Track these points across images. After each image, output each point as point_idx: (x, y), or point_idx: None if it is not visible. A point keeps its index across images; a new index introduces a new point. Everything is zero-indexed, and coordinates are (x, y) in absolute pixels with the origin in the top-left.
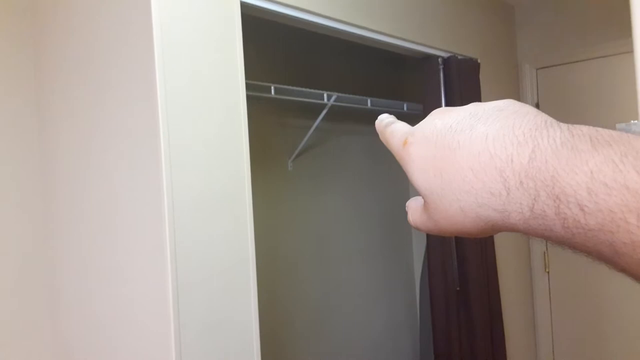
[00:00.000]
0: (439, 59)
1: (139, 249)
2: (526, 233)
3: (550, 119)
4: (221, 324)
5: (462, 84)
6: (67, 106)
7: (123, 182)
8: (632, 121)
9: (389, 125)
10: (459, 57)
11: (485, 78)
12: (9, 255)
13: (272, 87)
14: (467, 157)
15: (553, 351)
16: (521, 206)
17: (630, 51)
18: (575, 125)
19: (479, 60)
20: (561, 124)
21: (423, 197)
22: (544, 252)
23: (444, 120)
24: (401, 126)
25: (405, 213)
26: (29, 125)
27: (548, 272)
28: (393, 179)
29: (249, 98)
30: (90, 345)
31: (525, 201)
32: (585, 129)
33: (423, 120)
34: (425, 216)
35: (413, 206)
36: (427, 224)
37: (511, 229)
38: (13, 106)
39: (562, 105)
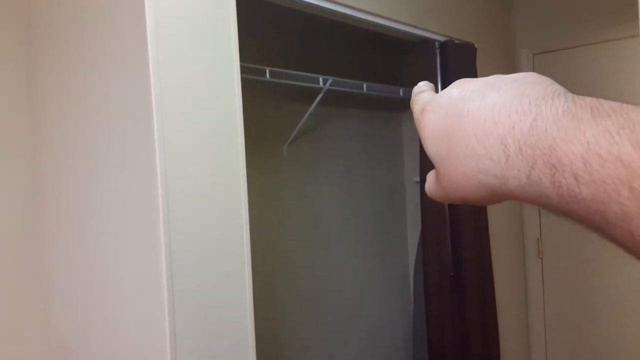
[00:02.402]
0: (436, 43)
1: (133, 231)
2: (523, 200)
3: (561, 90)
4: (216, 310)
5: (458, 69)
6: (59, 93)
7: (116, 168)
8: None
9: (417, 94)
10: (456, 41)
11: (482, 63)
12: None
13: (267, 71)
14: (474, 124)
15: (545, 337)
16: (519, 172)
17: (633, 35)
18: (580, 96)
19: (475, 45)
20: (569, 94)
21: (434, 164)
22: (538, 238)
23: (460, 89)
24: (425, 95)
25: (402, 198)
26: (19, 115)
27: (541, 258)
28: (389, 165)
29: (244, 81)
30: (83, 344)
31: (522, 168)
32: (588, 99)
33: (443, 89)
34: (436, 183)
35: (429, 176)
36: (438, 190)
37: (509, 196)
38: (1, 92)
39: None
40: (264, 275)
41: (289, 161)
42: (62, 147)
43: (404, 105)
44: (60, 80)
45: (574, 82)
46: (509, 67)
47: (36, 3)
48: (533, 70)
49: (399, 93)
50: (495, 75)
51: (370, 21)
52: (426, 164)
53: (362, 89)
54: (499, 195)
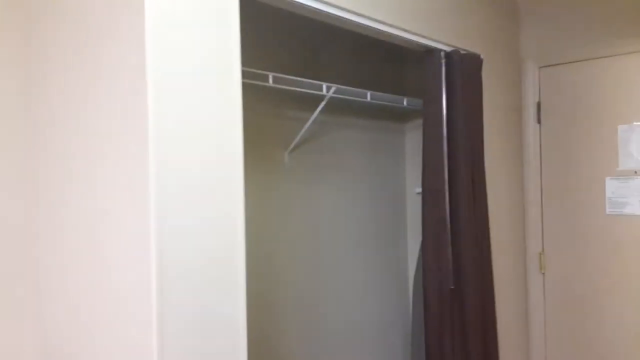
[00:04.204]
0: (442, 53)
1: (124, 238)
2: None
3: None
4: (207, 316)
5: (464, 79)
6: (56, 94)
7: (110, 169)
8: (634, 122)
9: None
10: (462, 51)
11: (487, 74)
12: None
13: (270, 76)
14: None
15: (546, 353)
16: None
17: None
18: None
19: (481, 56)
20: None
21: None
22: (540, 253)
23: None
24: None
25: (403, 208)
26: (15, 115)
27: (543, 273)
28: (391, 175)
29: (246, 86)
30: (71, 337)
31: None
32: None
33: None
34: None
35: None
36: None
37: None
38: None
39: (564, 105)
40: (262, 282)
41: (290, 168)
42: (55, 147)
43: (408, 115)
44: (57, 78)
45: (580, 96)
46: (515, 79)
47: (36, 6)
48: (539, 84)
49: (403, 103)
50: None
51: (376, 29)
52: (429, 175)
53: (366, 97)
54: None
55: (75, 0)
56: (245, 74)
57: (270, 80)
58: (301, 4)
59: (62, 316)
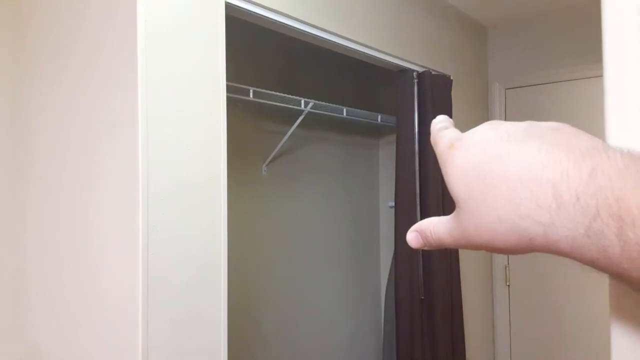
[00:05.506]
0: (414, 73)
1: (111, 242)
2: (566, 253)
3: (605, 143)
4: (191, 317)
5: (434, 99)
6: (45, 96)
7: (99, 175)
8: None
9: (442, 130)
10: (433, 72)
11: (456, 94)
12: None
13: (251, 90)
14: (516, 166)
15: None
16: (573, 223)
17: (597, 76)
18: (631, 150)
19: (451, 77)
20: (617, 147)
21: (457, 203)
22: (506, 266)
23: (497, 130)
24: (452, 131)
25: (376, 221)
26: (5, 111)
27: (508, 285)
28: (365, 189)
29: (227, 100)
30: (58, 337)
31: (579, 219)
32: (635, 151)
33: (474, 128)
34: (452, 224)
35: (433, 221)
36: (454, 232)
37: (550, 247)
38: None
39: None
40: (238, 291)
41: (267, 180)
42: (42, 152)
43: (382, 131)
44: (47, 86)
45: (544, 117)
46: (482, 99)
47: (27, 14)
48: (505, 105)
49: (377, 119)
50: (528, 122)
51: (353, 49)
52: (401, 189)
53: (342, 113)
54: (537, 245)
55: (69, 9)
56: (227, 88)
57: (251, 94)
58: (281, 23)
59: (48, 318)
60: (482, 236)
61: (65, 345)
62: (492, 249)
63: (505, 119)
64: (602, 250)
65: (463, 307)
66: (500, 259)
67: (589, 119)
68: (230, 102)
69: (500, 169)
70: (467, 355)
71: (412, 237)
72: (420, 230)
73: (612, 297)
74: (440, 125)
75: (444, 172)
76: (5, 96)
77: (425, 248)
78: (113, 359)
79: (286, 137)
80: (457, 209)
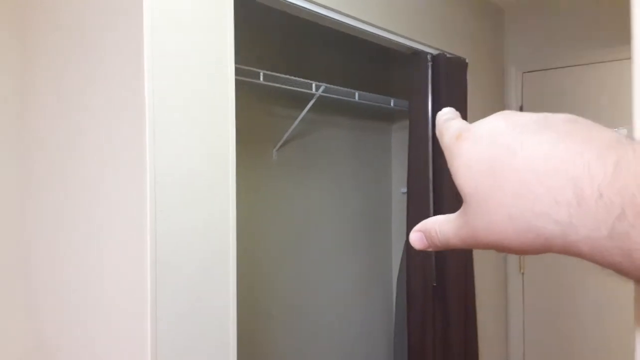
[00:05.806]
0: (428, 56)
1: (119, 231)
2: (588, 256)
3: (629, 137)
4: (199, 310)
5: (449, 82)
6: (51, 85)
7: (106, 163)
8: (615, 129)
9: (447, 120)
10: (448, 55)
11: (472, 78)
12: None
13: (261, 74)
14: (530, 159)
15: (524, 351)
16: (596, 223)
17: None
18: None
19: (466, 60)
20: (635, 139)
21: (464, 198)
22: None
23: (508, 120)
24: (458, 122)
25: (388, 207)
26: (8, 112)
27: (523, 273)
28: (377, 174)
29: (237, 83)
30: (65, 332)
31: (603, 217)
32: None
33: (483, 119)
34: (459, 222)
35: (439, 220)
36: (461, 232)
37: (568, 249)
38: None
39: (546, 110)
40: (248, 279)
41: (278, 165)
42: (50, 145)
43: (395, 115)
44: (53, 77)
45: (561, 101)
46: (498, 83)
47: (31, 10)
48: (522, 89)
49: (390, 104)
50: (543, 113)
51: (365, 30)
52: (414, 175)
53: (354, 97)
54: (553, 246)
55: (72, 4)
56: (237, 71)
57: (261, 78)
58: (293, 4)
59: (56, 310)
60: (491, 235)
61: (74, 337)
62: (502, 249)
63: (522, 104)
64: (627, 254)
65: (476, 294)
66: None
67: (614, 105)
68: (241, 85)
69: (512, 161)
70: (479, 342)
71: (416, 237)
72: (424, 230)
73: (638, 304)
74: (447, 117)
75: (450, 165)
76: (12, 87)
77: (430, 249)
78: (122, 350)
79: (297, 121)
80: (464, 206)
